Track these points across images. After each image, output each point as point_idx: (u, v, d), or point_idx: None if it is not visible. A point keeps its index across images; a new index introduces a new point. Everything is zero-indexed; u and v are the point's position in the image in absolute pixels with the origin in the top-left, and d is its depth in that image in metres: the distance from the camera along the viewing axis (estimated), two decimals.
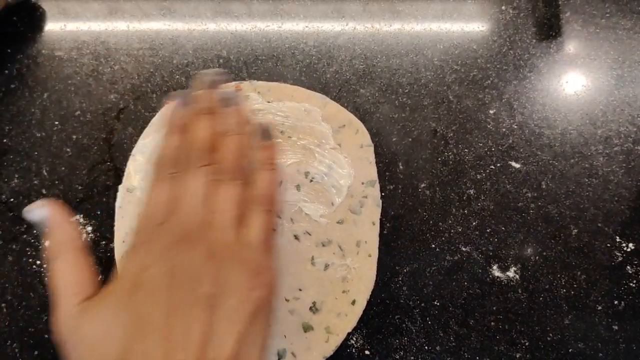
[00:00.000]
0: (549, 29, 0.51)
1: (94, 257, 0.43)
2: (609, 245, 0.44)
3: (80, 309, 0.30)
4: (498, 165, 0.46)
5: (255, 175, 0.37)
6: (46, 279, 0.42)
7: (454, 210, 0.45)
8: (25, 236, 0.43)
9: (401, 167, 0.46)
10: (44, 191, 0.45)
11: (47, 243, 0.34)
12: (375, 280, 0.42)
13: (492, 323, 0.42)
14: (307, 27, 0.50)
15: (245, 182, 0.36)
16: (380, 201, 0.44)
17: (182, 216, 0.33)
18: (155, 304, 0.29)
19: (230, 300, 0.30)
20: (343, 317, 0.41)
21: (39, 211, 0.35)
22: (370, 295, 0.42)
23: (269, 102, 0.46)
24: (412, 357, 0.41)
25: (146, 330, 0.28)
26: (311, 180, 0.44)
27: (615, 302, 0.42)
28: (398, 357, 0.41)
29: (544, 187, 0.45)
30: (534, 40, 0.50)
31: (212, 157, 0.36)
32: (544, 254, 0.44)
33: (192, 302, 0.29)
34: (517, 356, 0.41)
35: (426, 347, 0.41)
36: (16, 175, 0.45)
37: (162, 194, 0.34)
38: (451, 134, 0.47)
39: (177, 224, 0.33)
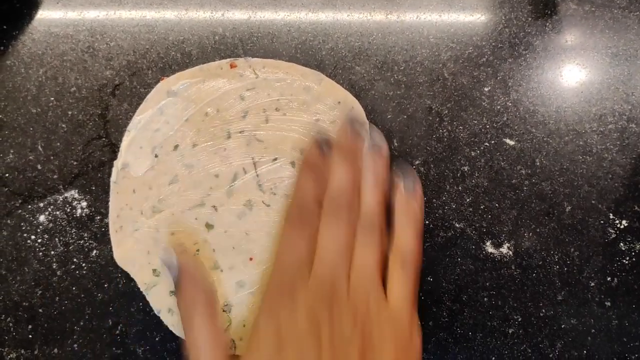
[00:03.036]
0: (545, 7, 0.48)
1: (88, 231, 0.41)
2: (602, 222, 0.42)
3: None
4: (492, 142, 0.44)
5: (399, 227, 0.33)
6: (40, 253, 0.40)
7: (448, 187, 0.43)
8: (20, 211, 0.41)
9: (396, 144, 0.44)
10: (39, 166, 0.43)
11: (177, 294, 0.32)
12: None
13: (485, 299, 0.40)
14: (303, 4, 0.48)
15: (386, 239, 0.32)
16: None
17: (326, 268, 0.30)
18: None
19: None
20: None
21: (168, 259, 0.32)
22: None
23: (264, 79, 0.44)
24: None
25: None
26: None
27: (608, 279, 0.40)
28: None
29: (538, 164, 0.43)
30: (530, 19, 0.47)
31: (355, 208, 0.32)
32: (538, 230, 0.41)
33: None
34: (510, 332, 0.39)
35: (419, 322, 0.39)
36: (11, 151, 0.43)
37: (300, 241, 0.31)
38: (446, 112, 0.44)
39: (322, 280, 0.29)
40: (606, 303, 0.40)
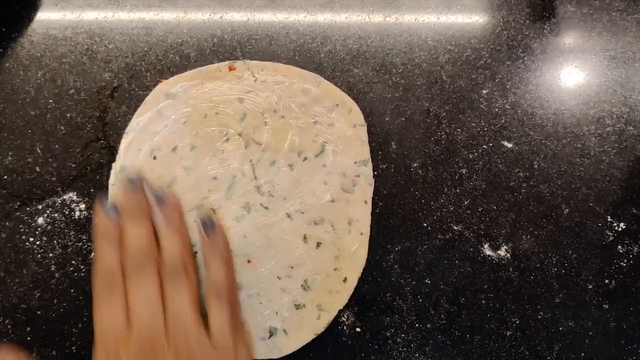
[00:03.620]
0: (543, 10, 0.48)
1: (87, 234, 0.41)
2: (600, 224, 0.42)
3: None
4: (490, 144, 0.43)
5: (207, 265, 0.36)
6: (39, 256, 0.40)
7: (446, 189, 0.42)
8: (18, 213, 0.41)
9: (394, 146, 0.43)
10: (37, 169, 0.42)
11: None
12: (367, 259, 0.40)
13: (483, 301, 0.40)
14: (302, 6, 0.47)
15: (195, 275, 0.35)
16: (373, 180, 0.42)
17: (142, 326, 0.31)
18: None
19: None
20: (334, 295, 0.39)
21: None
22: (362, 273, 0.40)
23: (262, 81, 0.44)
24: (402, 335, 0.39)
25: None
26: (304, 160, 0.42)
27: (606, 282, 0.40)
28: (389, 334, 0.39)
29: (536, 166, 0.43)
30: (528, 21, 0.47)
31: (155, 259, 0.34)
32: (535, 233, 0.41)
33: None
34: (508, 334, 0.39)
35: (417, 325, 0.39)
36: (10, 153, 0.43)
37: (113, 308, 0.32)
38: (444, 114, 0.44)
39: (140, 338, 0.31)
40: (604, 305, 0.40)
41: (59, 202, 0.42)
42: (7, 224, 0.41)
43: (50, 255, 0.41)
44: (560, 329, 0.39)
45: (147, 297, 0.32)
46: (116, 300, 0.32)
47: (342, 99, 0.44)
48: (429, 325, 0.40)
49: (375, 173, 0.42)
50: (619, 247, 0.41)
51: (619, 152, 0.43)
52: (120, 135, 0.43)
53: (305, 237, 0.40)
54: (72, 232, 0.41)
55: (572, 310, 0.40)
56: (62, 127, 0.44)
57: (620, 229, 0.41)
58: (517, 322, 0.39)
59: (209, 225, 0.36)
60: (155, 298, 0.32)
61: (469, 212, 0.42)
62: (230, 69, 0.44)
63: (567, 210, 0.42)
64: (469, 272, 0.41)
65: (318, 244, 0.40)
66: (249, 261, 0.40)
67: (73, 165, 0.43)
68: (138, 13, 0.47)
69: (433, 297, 0.40)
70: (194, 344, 0.31)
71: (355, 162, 0.42)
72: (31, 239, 0.41)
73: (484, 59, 0.46)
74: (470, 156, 0.43)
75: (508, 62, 0.46)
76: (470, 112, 0.44)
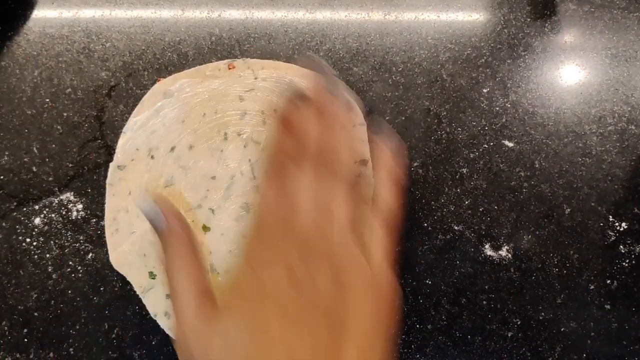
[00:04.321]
0: (544, 8, 0.47)
1: (84, 234, 0.40)
2: (602, 224, 0.41)
3: (206, 321, 0.28)
4: (491, 144, 0.43)
5: (377, 186, 0.33)
6: (35, 256, 0.40)
7: (446, 189, 0.42)
8: (15, 214, 0.41)
9: None
10: (34, 168, 0.42)
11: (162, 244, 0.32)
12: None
13: (484, 302, 0.39)
14: (301, 4, 0.47)
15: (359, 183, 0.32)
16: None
17: (302, 218, 0.29)
18: (280, 318, 0.27)
19: (355, 324, 0.27)
20: None
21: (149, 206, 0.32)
22: None
23: (262, 79, 0.43)
24: (403, 336, 0.39)
25: (272, 351, 0.26)
26: None
27: (608, 282, 0.40)
28: None
29: (537, 166, 0.42)
30: (529, 19, 0.47)
31: (324, 154, 0.32)
32: (537, 233, 0.41)
33: (316, 320, 0.27)
34: (509, 335, 0.39)
35: (417, 326, 0.39)
36: (6, 153, 0.42)
37: (280, 191, 0.30)
38: (444, 113, 0.44)
39: (298, 229, 0.29)
40: (606, 306, 0.40)
41: (56, 202, 0.41)
42: (3, 224, 0.41)
43: (47, 256, 0.40)
44: (562, 329, 0.39)
45: (310, 188, 0.30)
46: (283, 184, 0.31)
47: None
48: (429, 326, 0.39)
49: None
50: (621, 247, 0.41)
51: (620, 151, 0.43)
52: (118, 134, 0.42)
53: None
54: (69, 233, 0.41)
55: (573, 311, 0.39)
56: (59, 127, 0.43)
57: (622, 229, 0.41)
58: (519, 322, 0.39)
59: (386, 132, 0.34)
60: (318, 192, 0.30)
61: (469, 212, 0.42)
62: (230, 67, 0.44)
63: (569, 210, 0.42)
64: (469, 272, 0.40)
65: None
66: None
67: (70, 165, 0.42)
68: (135, 11, 0.47)
69: (434, 297, 0.40)
70: (350, 254, 0.29)
71: (355, 162, 0.42)
72: (28, 240, 0.40)
73: (485, 58, 0.46)
74: (471, 155, 0.43)
75: (509, 61, 0.45)
76: (471, 111, 0.44)
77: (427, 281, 0.40)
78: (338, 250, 0.29)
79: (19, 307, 0.39)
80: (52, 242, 0.40)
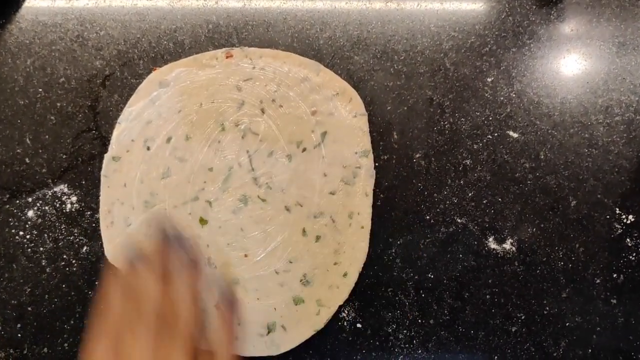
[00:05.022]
0: None
1: (78, 227, 0.39)
2: (608, 217, 0.40)
3: None
4: (495, 134, 0.42)
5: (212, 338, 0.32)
6: (29, 250, 0.39)
7: (449, 181, 0.41)
8: (7, 206, 0.40)
9: (396, 136, 0.42)
10: (27, 160, 0.41)
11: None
12: (368, 253, 0.39)
13: (488, 296, 0.39)
14: None
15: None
16: (374, 172, 0.40)
17: None
18: None
19: None
20: (334, 290, 0.38)
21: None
22: (363, 268, 0.39)
23: (261, 68, 0.42)
24: (405, 331, 0.38)
25: None
26: (303, 150, 0.40)
27: (614, 276, 0.39)
28: (390, 330, 0.38)
29: (542, 157, 0.41)
30: (534, 7, 0.46)
31: (163, 322, 0.31)
32: (542, 225, 0.40)
33: None
34: (513, 330, 0.38)
35: (419, 321, 0.38)
36: None
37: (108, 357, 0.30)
38: (447, 103, 0.43)
39: None
40: (612, 300, 0.39)
41: (50, 194, 0.40)
42: None
43: (41, 249, 0.39)
44: (567, 324, 0.38)
45: (145, 354, 0.31)
46: (112, 352, 0.31)
47: (342, 87, 0.42)
48: (431, 321, 0.38)
49: (377, 164, 0.41)
50: (628, 240, 0.40)
51: (628, 142, 0.42)
52: (113, 125, 0.41)
53: (304, 231, 0.39)
54: (63, 226, 0.40)
55: (579, 305, 0.39)
56: (52, 117, 0.42)
57: (629, 222, 0.40)
58: (523, 317, 0.38)
59: (227, 302, 0.34)
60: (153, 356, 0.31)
61: (473, 204, 0.41)
62: (228, 56, 0.43)
63: (575, 202, 0.41)
64: (473, 266, 0.39)
65: (317, 238, 0.39)
66: (245, 255, 0.38)
67: (64, 157, 0.41)
68: None
69: (436, 292, 0.39)
70: None
71: (356, 153, 0.41)
72: (21, 233, 0.39)
73: (489, 46, 0.44)
74: (475, 146, 0.42)
75: (514, 49, 0.44)
76: (475, 101, 0.43)
77: (430, 275, 0.39)
78: None
79: (12, 301, 0.38)
80: (45, 235, 0.40)
